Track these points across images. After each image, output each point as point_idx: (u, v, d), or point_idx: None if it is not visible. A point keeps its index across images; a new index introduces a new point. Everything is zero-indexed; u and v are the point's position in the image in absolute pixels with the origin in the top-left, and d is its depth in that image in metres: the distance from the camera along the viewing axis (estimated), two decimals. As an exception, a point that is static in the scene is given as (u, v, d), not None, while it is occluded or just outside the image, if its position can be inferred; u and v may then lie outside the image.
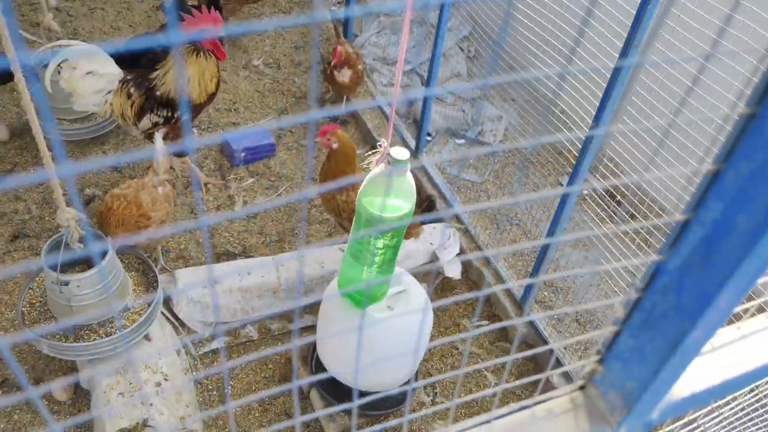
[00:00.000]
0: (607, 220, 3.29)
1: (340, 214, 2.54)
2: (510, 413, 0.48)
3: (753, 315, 0.58)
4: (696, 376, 0.52)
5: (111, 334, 2.23)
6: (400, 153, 1.66)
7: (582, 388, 0.50)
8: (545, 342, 2.74)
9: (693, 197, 0.37)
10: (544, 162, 3.71)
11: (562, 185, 3.73)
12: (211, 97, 2.80)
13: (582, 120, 2.85)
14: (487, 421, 0.47)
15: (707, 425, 0.87)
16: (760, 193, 0.32)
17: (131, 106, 2.71)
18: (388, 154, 1.70)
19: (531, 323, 2.84)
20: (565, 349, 2.76)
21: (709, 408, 0.88)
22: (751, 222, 0.33)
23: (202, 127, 3.46)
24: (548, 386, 2.60)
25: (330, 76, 3.58)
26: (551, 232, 2.70)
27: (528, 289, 2.86)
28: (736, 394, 0.90)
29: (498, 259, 3.07)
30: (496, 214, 3.41)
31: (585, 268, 3.23)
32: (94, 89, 2.64)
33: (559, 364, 2.71)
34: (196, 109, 2.83)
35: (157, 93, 2.69)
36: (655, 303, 0.41)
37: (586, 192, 3.73)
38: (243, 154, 3.28)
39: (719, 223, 0.36)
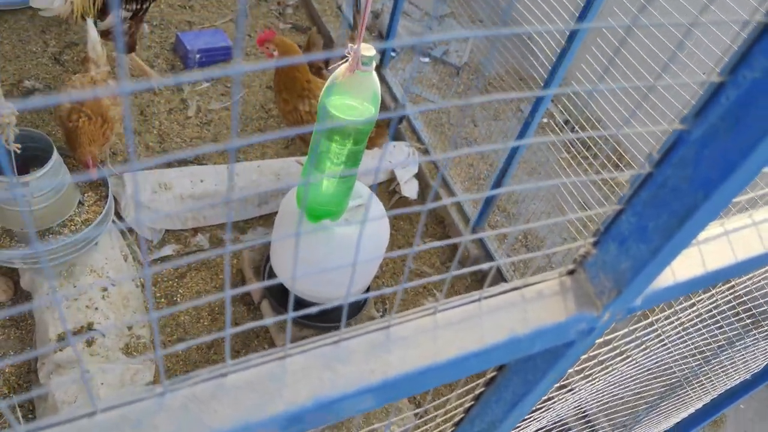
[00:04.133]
0: (562, 149, 3.32)
1: (303, 124, 2.45)
2: (500, 293, 0.47)
3: (741, 210, 0.58)
4: (680, 266, 0.52)
5: (76, 232, 2.17)
6: (366, 49, 1.57)
7: (571, 273, 0.49)
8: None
9: (731, 59, 0.34)
10: (507, 87, 3.68)
11: (522, 111, 3.72)
12: None
13: (548, 46, 2.80)
14: (477, 300, 0.46)
15: (665, 329, 0.90)
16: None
17: (94, 2, 2.49)
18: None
19: (483, 247, 2.89)
20: (514, 271, 2.84)
21: (669, 312, 0.91)
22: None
23: (154, 23, 3.23)
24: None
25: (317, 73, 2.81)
26: (509, 158, 2.71)
27: (482, 212, 2.88)
28: (694, 300, 0.93)
29: (455, 181, 3.07)
30: (456, 137, 3.38)
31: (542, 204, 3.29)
32: None
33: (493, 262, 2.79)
34: None
35: None
36: (667, 177, 0.39)
37: (545, 120, 3.74)
38: (198, 56, 3.10)
39: (757, 83, 0.33)
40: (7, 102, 1.95)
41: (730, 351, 1.38)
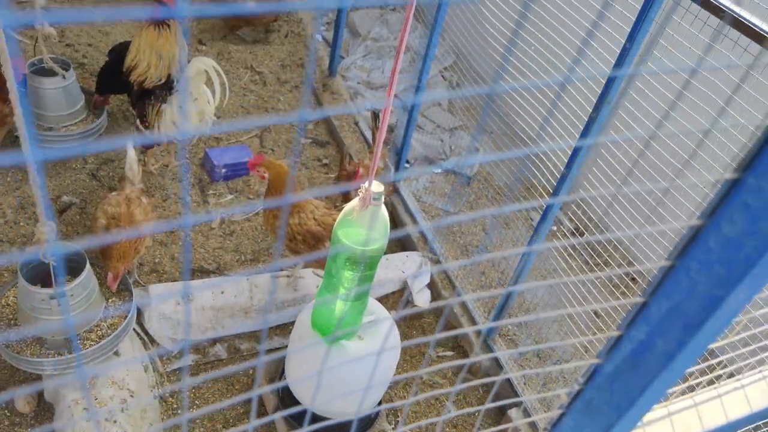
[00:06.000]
0: (574, 254, 3.41)
1: (295, 238, 2.56)
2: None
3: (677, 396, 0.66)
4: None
5: (103, 337, 2.29)
6: (375, 186, 1.73)
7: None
8: (507, 377, 2.82)
9: (625, 318, 0.45)
10: (515, 197, 3.83)
11: (532, 220, 3.86)
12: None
13: (556, 158, 2.96)
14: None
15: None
16: (674, 327, 0.40)
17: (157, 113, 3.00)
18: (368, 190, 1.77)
19: (494, 358, 2.92)
20: (525, 384, 2.85)
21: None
22: (667, 345, 0.41)
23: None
24: (505, 419, 2.68)
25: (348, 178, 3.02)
26: (520, 267, 2.80)
27: (492, 320, 2.94)
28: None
29: (466, 291, 3.15)
30: (468, 245, 3.50)
31: (549, 312, 3.34)
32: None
33: (517, 399, 2.79)
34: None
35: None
36: (592, 397, 0.49)
37: (554, 228, 3.86)
38: (224, 170, 3.33)
39: (643, 343, 0.44)
40: (48, 221, 2.12)
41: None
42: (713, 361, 0.72)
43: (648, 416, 0.64)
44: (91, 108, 3.24)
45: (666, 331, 0.41)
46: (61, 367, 2.23)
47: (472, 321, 3.03)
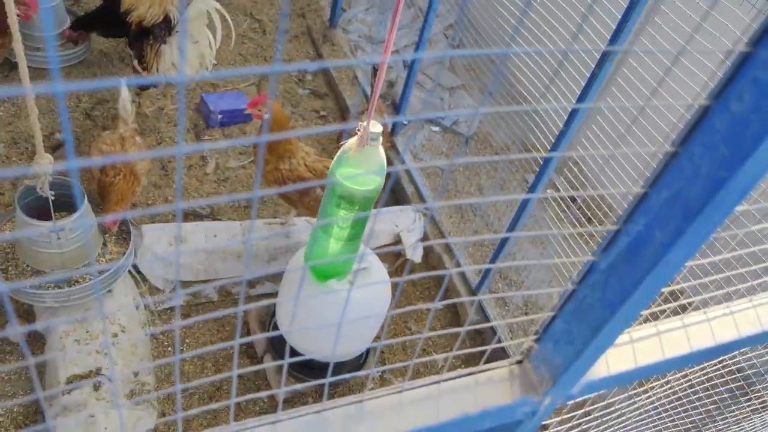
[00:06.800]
0: (565, 221, 3.43)
1: (285, 183, 2.53)
2: (458, 377, 0.56)
3: (668, 316, 0.67)
4: (614, 361, 0.62)
5: (102, 271, 2.30)
6: (373, 126, 1.72)
7: (519, 362, 0.59)
8: (494, 331, 2.87)
9: (624, 212, 0.45)
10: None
11: (527, 182, 3.86)
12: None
13: (552, 120, 2.95)
14: (437, 382, 0.55)
15: (624, 410, 0.98)
16: (673, 215, 0.40)
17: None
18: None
19: (482, 313, 2.96)
20: (511, 338, 2.90)
21: (627, 395, 0.99)
22: (664, 236, 0.42)
23: (181, 85, 3.44)
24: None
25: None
26: (512, 226, 2.82)
27: (483, 278, 2.97)
28: (652, 385, 1.02)
29: (458, 247, 3.17)
30: (462, 205, 3.51)
31: (534, 261, 3.37)
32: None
33: (503, 352, 2.84)
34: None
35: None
36: (585, 295, 0.50)
37: (548, 191, 3.86)
38: (220, 116, 3.29)
39: (641, 234, 0.44)
40: (46, 154, 2.10)
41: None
42: (705, 279, 0.73)
43: (637, 333, 0.65)
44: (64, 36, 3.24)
45: (665, 220, 0.41)
46: (61, 299, 2.24)
47: (464, 277, 3.06)
